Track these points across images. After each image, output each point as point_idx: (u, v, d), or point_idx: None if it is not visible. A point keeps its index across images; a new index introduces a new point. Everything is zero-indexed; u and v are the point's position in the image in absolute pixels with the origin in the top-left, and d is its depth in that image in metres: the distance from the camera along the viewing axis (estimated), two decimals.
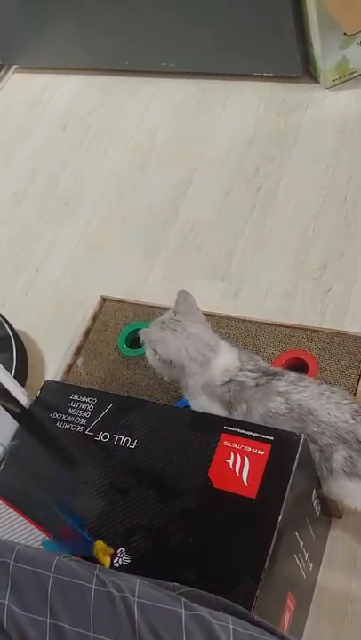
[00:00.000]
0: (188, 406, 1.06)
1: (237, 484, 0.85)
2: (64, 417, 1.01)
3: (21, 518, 0.92)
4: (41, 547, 0.85)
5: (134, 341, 1.32)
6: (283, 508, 0.82)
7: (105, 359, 1.31)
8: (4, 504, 0.93)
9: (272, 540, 0.80)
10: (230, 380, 0.97)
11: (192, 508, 0.86)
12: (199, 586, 0.73)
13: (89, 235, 1.61)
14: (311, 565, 0.97)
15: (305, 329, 1.20)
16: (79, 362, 1.33)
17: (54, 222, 1.66)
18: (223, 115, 1.70)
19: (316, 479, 0.94)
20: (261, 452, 0.87)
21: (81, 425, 0.99)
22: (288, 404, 0.92)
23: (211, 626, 0.57)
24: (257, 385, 0.95)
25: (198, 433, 0.93)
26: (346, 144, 1.52)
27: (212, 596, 0.66)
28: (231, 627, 0.58)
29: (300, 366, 1.15)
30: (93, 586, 0.59)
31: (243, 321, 1.25)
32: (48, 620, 0.56)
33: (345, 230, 1.39)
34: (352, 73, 1.60)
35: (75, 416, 1.00)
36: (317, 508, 0.97)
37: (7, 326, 1.41)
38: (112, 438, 0.96)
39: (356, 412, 0.91)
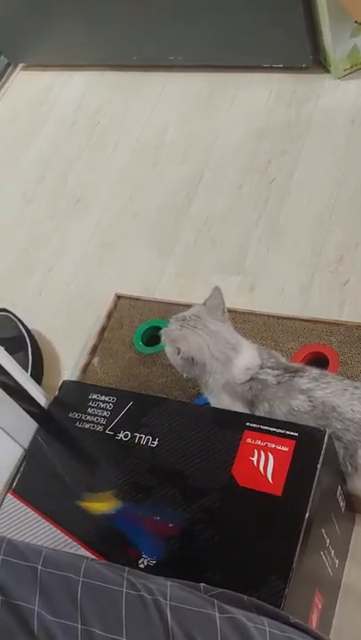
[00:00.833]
0: (208, 403, 1.04)
1: (262, 481, 0.84)
2: (84, 417, 1.00)
3: (43, 520, 0.91)
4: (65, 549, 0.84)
5: (150, 339, 1.31)
6: (309, 504, 0.80)
7: (121, 357, 1.30)
8: (26, 506, 0.93)
9: (299, 537, 0.79)
10: (252, 379, 0.96)
11: (216, 507, 0.85)
12: (226, 586, 0.72)
13: (100, 232, 1.60)
14: (337, 562, 0.96)
15: (324, 322, 1.18)
16: (95, 361, 1.32)
17: (65, 221, 1.65)
18: (233, 108, 1.68)
19: (340, 475, 0.92)
20: (286, 448, 0.85)
21: (101, 424, 0.98)
22: (311, 401, 0.91)
23: (246, 628, 0.56)
24: (279, 383, 0.94)
25: (220, 430, 0.91)
26: (358, 134, 1.50)
27: (245, 597, 0.65)
28: (268, 629, 0.57)
29: (320, 360, 1.13)
30: (124, 589, 0.58)
31: (260, 315, 1.23)
32: (79, 626, 0.55)
33: (360, 221, 1.37)
34: None
35: (94, 415, 0.99)
36: (342, 504, 0.95)
37: (21, 326, 1.40)
38: (133, 437, 0.95)
39: None
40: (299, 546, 0.78)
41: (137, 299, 1.37)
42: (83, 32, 1.85)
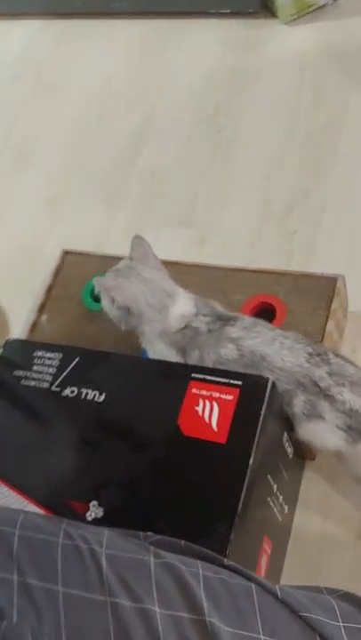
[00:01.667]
0: None
1: (207, 430, 0.84)
2: (29, 374, 0.98)
3: None
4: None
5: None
6: (253, 450, 0.81)
7: (70, 315, 1.28)
8: None
9: (244, 483, 0.79)
10: (186, 327, 0.95)
11: (162, 457, 0.85)
12: (173, 535, 0.72)
13: (47, 187, 1.55)
14: (286, 508, 0.97)
15: (272, 273, 1.17)
16: (44, 319, 1.29)
17: (9, 176, 1.60)
18: (180, 56, 1.64)
19: (286, 422, 0.93)
20: (230, 397, 0.85)
21: (47, 381, 0.96)
22: (239, 350, 0.91)
23: (180, 572, 0.56)
24: (210, 331, 0.94)
25: (167, 382, 0.91)
26: (306, 82, 1.48)
27: (182, 541, 0.65)
28: (201, 572, 0.57)
29: (268, 310, 1.13)
30: (60, 540, 0.58)
31: (208, 268, 1.22)
32: (15, 578, 0.55)
33: (309, 170, 1.36)
34: (310, 7, 1.54)
35: (40, 372, 0.98)
36: (290, 450, 0.96)
37: None
38: (79, 393, 0.94)
39: (310, 354, 0.89)
40: (243, 492, 0.79)
41: (85, 254, 1.34)
42: None
